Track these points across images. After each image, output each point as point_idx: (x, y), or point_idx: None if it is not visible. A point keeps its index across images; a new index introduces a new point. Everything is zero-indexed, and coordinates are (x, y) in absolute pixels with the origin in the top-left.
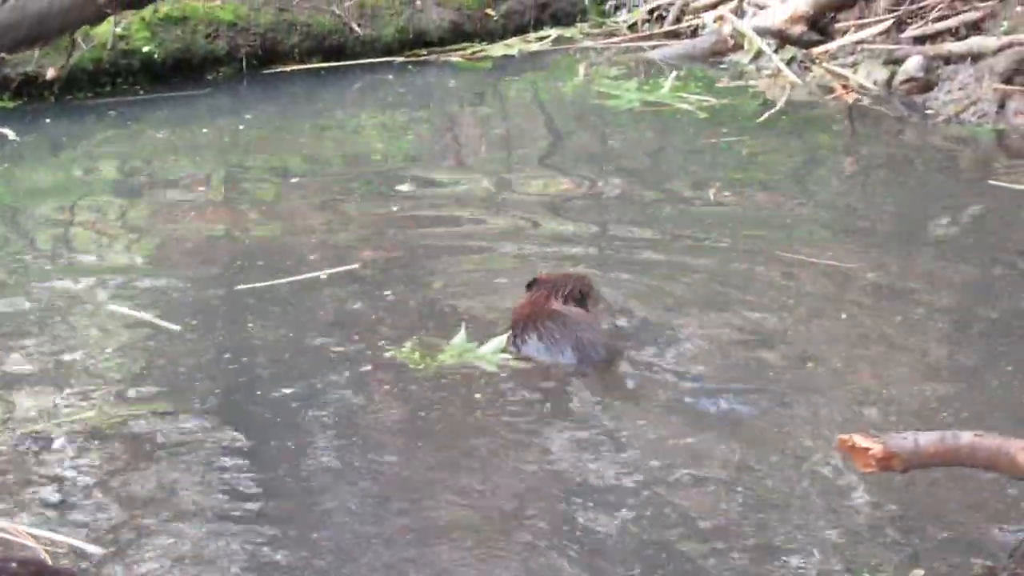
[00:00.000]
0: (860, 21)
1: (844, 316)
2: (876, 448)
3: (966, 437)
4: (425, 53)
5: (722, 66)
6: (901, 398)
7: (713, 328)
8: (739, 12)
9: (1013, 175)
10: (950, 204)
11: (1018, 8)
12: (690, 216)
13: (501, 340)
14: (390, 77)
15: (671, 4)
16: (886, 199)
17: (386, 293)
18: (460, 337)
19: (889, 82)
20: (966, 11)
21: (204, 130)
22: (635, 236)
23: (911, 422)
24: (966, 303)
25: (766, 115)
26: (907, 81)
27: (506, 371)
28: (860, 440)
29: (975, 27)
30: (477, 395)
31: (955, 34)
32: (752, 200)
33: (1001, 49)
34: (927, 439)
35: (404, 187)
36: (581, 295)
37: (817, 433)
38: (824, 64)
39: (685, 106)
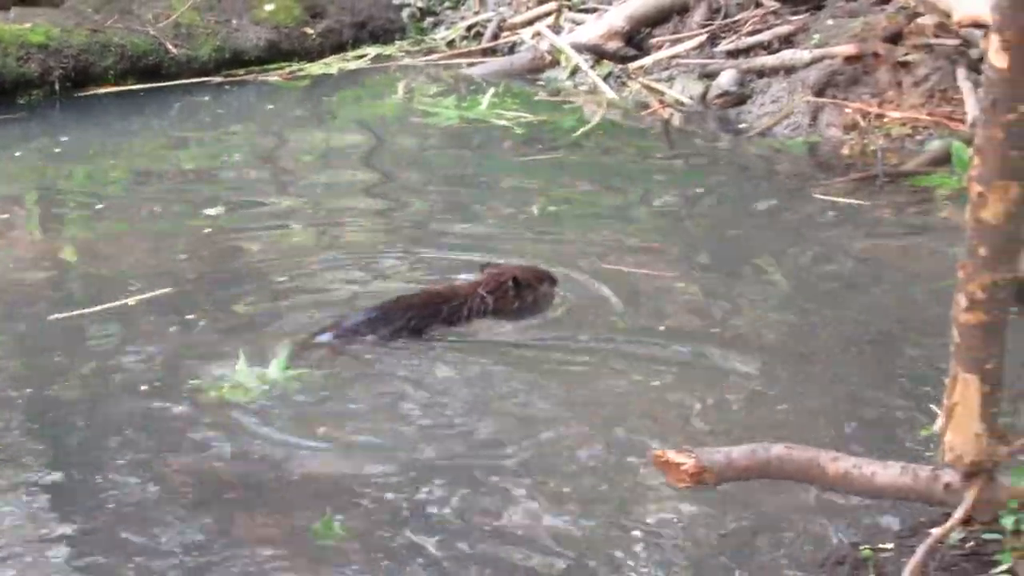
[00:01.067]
0: (675, 36)
1: (663, 328)
2: (688, 463)
3: (776, 449)
4: (243, 72)
5: (540, 82)
6: (720, 413)
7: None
8: (556, 28)
9: (828, 187)
10: (770, 216)
11: (829, 21)
12: (511, 230)
13: (283, 358)
14: (207, 98)
15: (489, 21)
16: (705, 213)
17: (191, 317)
18: (241, 363)
19: (704, 96)
20: (778, 25)
21: (17, 154)
22: (447, 254)
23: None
24: (788, 318)
25: (582, 130)
26: (721, 95)
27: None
28: (673, 455)
29: (787, 41)
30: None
31: (768, 48)
32: (571, 214)
33: (813, 62)
34: (739, 452)
35: (216, 209)
36: (515, 284)
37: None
38: (640, 79)
39: (503, 122)
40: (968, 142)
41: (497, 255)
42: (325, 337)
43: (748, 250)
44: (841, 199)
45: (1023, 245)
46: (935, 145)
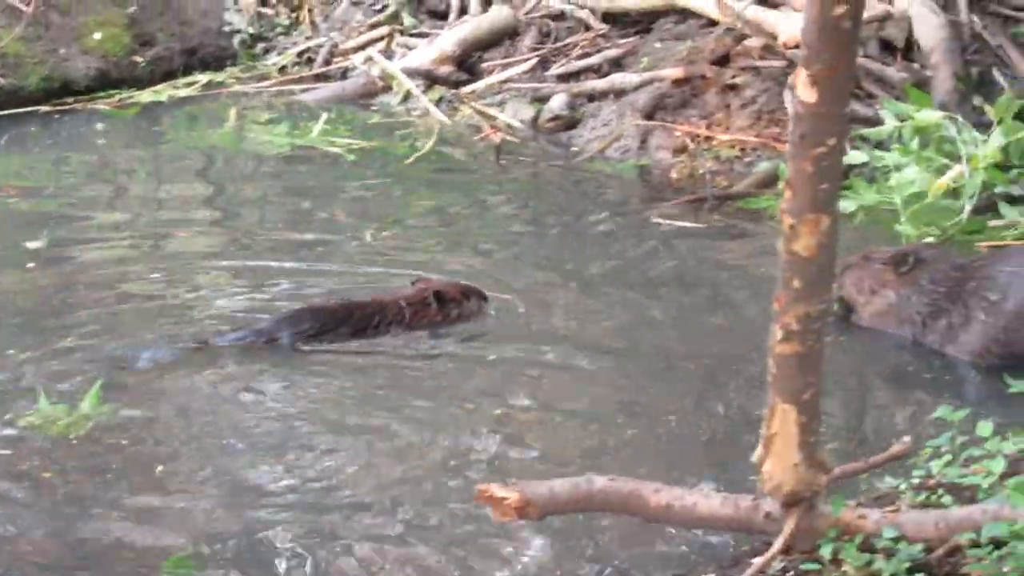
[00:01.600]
0: (506, 60)
1: (493, 357)
2: (512, 497)
3: (600, 482)
4: (72, 102)
5: (373, 108)
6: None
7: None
8: (388, 53)
9: (659, 210)
10: (601, 240)
11: (657, 44)
12: (342, 256)
13: (94, 392)
14: (33, 128)
15: (320, 46)
16: (536, 237)
17: (11, 352)
18: (42, 402)
19: (535, 120)
20: (608, 48)
21: None
22: (285, 283)
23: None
24: (616, 344)
25: (414, 157)
26: (552, 119)
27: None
28: (497, 490)
29: (617, 64)
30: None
31: (598, 71)
32: (403, 240)
33: (642, 85)
34: (562, 486)
35: (41, 240)
36: (437, 298)
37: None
38: (472, 104)
39: (335, 149)
40: None
41: (322, 287)
42: (232, 337)
43: (579, 275)
44: (672, 222)
45: (835, 276)
46: (763, 167)
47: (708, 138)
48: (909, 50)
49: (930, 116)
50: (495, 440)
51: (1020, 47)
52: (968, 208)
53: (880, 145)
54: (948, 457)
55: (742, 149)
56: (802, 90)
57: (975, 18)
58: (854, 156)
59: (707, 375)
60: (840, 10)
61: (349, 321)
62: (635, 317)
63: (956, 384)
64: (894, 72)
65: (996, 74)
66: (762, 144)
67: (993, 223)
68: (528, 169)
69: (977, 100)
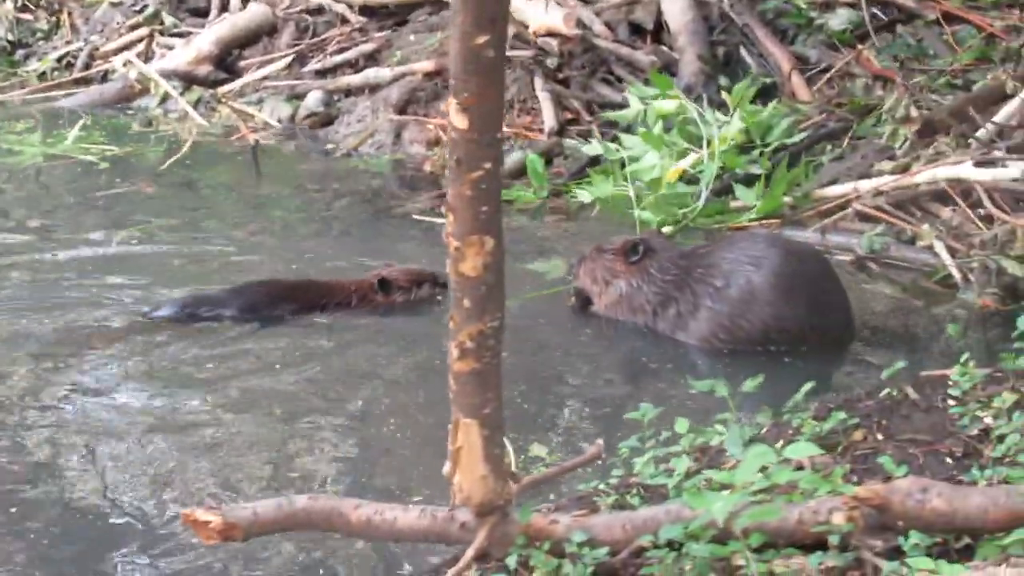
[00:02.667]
0: (264, 58)
1: (208, 366)
2: (215, 520)
3: (301, 501)
4: None
5: (131, 112)
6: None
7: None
8: (148, 54)
9: (411, 205)
10: (352, 236)
11: (411, 37)
12: (93, 264)
13: None
14: None
15: (81, 50)
16: (289, 237)
17: None
18: None
19: (293, 118)
20: (363, 42)
21: None
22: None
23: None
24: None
25: (170, 160)
26: (309, 116)
27: None
28: (200, 513)
29: (371, 58)
30: None
31: (354, 66)
32: (153, 244)
33: (395, 79)
34: (264, 507)
35: None
36: (381, 284)
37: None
38: (230, 103)
39: (89, 157)
40: (544, 153)
41: (63, 297)
42: (170, 310)
43: (336, 270)
44: (424, 217)
45: (503, 292)
46: (515, 157)
47: None
48: (660, 32)
49: (668, 104)
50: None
51: (766, 25)
52: (705, 193)
53: (629, 129)
54: (648, 455)
55: None
56: (454, 117)
57: None
58: (590, 148)
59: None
60: (482, 39)
61: (294, 299)
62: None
63: (686, 371)
64: (643, 56)
65: (743, 53)
66: (514, 134)
67: (735, 203)
68: (283, 168)
69: (724, 80)
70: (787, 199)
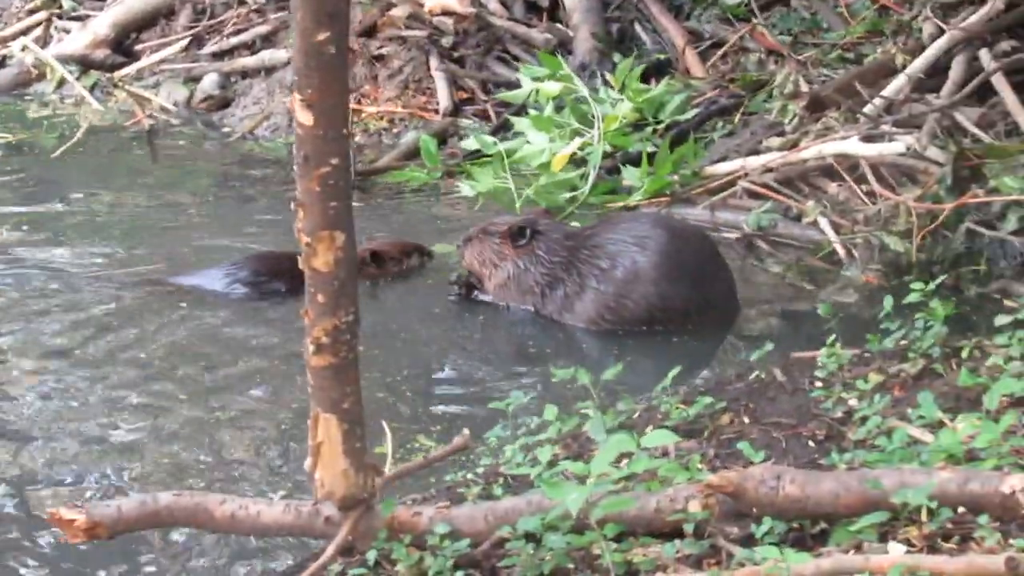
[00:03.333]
0: (161, 41)
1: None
2: (80, 518)
3: (165, 499)
4: None
5: (28, 98)
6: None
7: None
8: (46, 39)
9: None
10: (252, 223)
11: None
12: None
13: None
14: None
15: None
16: (182, 222)
17: None
18: None
19: (189, 101)
20: (260, 24)
21: None
22: None
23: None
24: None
25: (64, 147)
26: (205, 99)
27: None
28: (65, 512)
29: (268, 40)
30: None
31: (251, 48)
32: (35, 235)
33: (291, 61)
34: (128, 505)
35: None
36: (373, 257)
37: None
38: (126, 87)
39: None
40: (438, 134)
41: None
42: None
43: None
44: None
45: (356, 287)
46: (409, 138)
47: (357, 111)
48: (555, 10)
49: (552, 86)
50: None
51: (661, 0)
52: (592, 176)
53: (523, 109)
54: (517, 444)
55: (390, 120)
56: (298, 114)
57: None
58: (470, 143)
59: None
60: (322, 36)
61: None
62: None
63: (568, 355)
64: (537, 34)
65: (638, 29)
66: (410, 115)
67: (625, 183)
68: (179, 152)
69: (619, 57)
70: (675, 177)
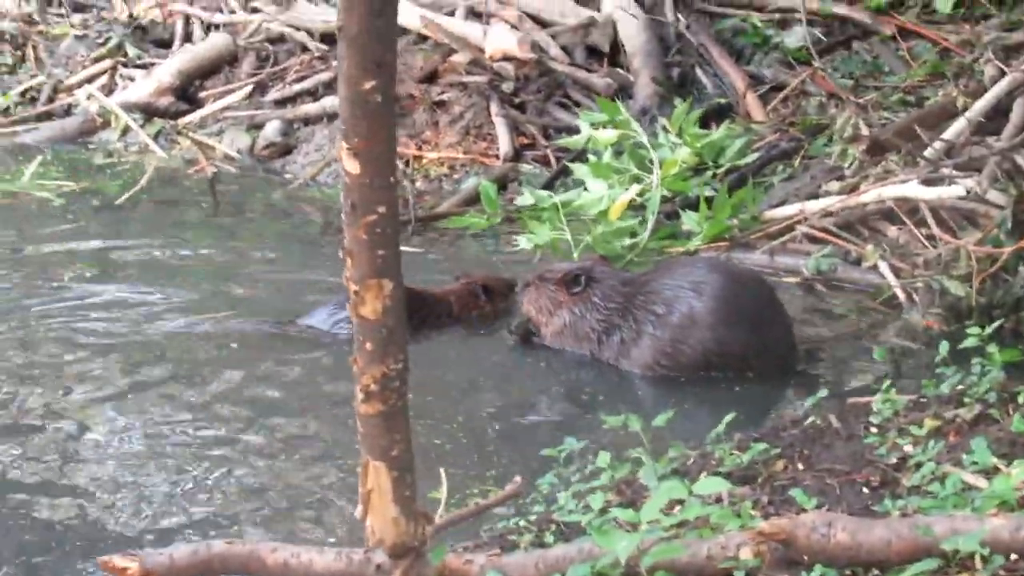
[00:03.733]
0: (224, 88)
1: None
2: (133, 567)
3: (217, 547)
4: None
5: (92, 146)
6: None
7: None
8: (111, 87)
9: None
10: (319, 266)
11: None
12: (57, 305)
13: None
14: None
15: (44, 84)
16: (251, 267)
17: None
18: None
19: (252, 148)
20: (323, 70)
21: None
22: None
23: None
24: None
25: (127, 194)
26: (268, 146)
27: None
28: (118, 560)
29: (330, 87)
30: None
31: (314, 95)
32: (114, 283)
33: None
34: (180, 553)
35: None
36: (484, 289)
37: None
38: (189, 135)
39: (44, 193)
40: (498, 180)
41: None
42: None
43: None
44: None
45: (406, 335)
46: (470, 183)
47: (418, 157)
48: (616, 55)
49: (607, 134)
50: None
51: (721, 44)
52: (651, 224)
53: (583, 154)
54: (571, 491)
55: (451, 166)
56: (345, 162)
57: (680, 17)
58: (525, 199)
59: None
60: (368, 85)
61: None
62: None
63: (625, 400)
64: (598, 79)
65: (699, 73)
66: (470, 160)
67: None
68: (242, 199)
69: (678, 102)
70: (734, 221)
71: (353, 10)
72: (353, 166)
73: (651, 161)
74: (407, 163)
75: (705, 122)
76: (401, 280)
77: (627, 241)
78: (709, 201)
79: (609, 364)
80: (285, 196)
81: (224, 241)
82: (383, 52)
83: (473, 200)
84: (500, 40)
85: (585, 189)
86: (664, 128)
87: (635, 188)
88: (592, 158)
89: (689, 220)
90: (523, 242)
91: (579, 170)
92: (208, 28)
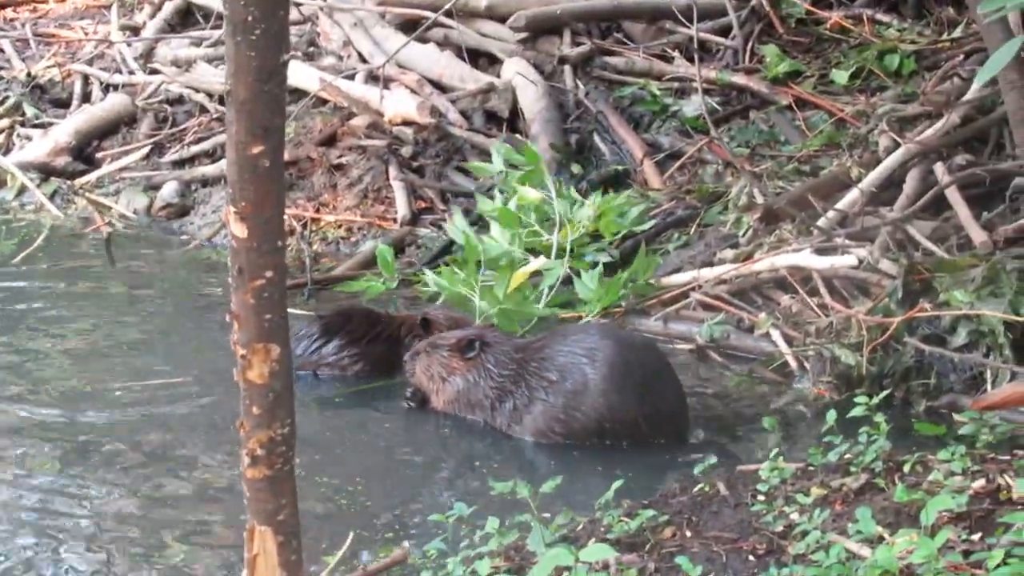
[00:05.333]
0: (122, 149)
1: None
2: None
3: None
4: None
5: None
6: None
7: None
8: (8, 147)
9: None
10: (211, 329)
11: None
12: None
13: None
14: None
15: None
16: (139, 332)
17: None
18: None
19: (149, 209)
20: (221, 132)
21: None
22: None
23: None
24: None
25: (22, 255)
26: (165, 207)
27: None
28: None
29: None
30: None
31: (212, 156)
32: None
33: None
34: None
35: None
36: (423, 321)
37: None
38: (86, 195)
39: None
40: (396, 243)
41: None
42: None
43: (198, 364)
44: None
45: (293, 399)
46: (367, 247)
47: (315, 220)
48: (515, 120)
49: (531, 193)
50: None
51: (620, 111)
52: (546, 297)
53: (491, 190)
54: (459, 556)
55: (349, 229)
56: (233, 226)
57: (580, 84)
58: (451, 229)
59: None
60: (257, 149)
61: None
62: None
63: (516, 466)
64: (497, 143)
65: (596, 140)
66: (368, 224)
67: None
68: (137, 261)
69: (576, 168)
70: (626, 290)
71: (241, 76)
72: (240, 230)
73: (552, 219)
74: (304, 225)
75: (604, 189)
76: (288, 345)
77: (527, 316)
78: (606, 268)
79: (502, 431)
80: (182, 257)
81: (120, 305)
82: (271, 117)
83: (370, 263)
84: (400, 104)
85: (491, 237)
86: (559, 194)
87: (538, 261)
88: (499, 196)
89: (583, 288)
90: (430, 281)
91: (485, 205)
92: (107, 88)
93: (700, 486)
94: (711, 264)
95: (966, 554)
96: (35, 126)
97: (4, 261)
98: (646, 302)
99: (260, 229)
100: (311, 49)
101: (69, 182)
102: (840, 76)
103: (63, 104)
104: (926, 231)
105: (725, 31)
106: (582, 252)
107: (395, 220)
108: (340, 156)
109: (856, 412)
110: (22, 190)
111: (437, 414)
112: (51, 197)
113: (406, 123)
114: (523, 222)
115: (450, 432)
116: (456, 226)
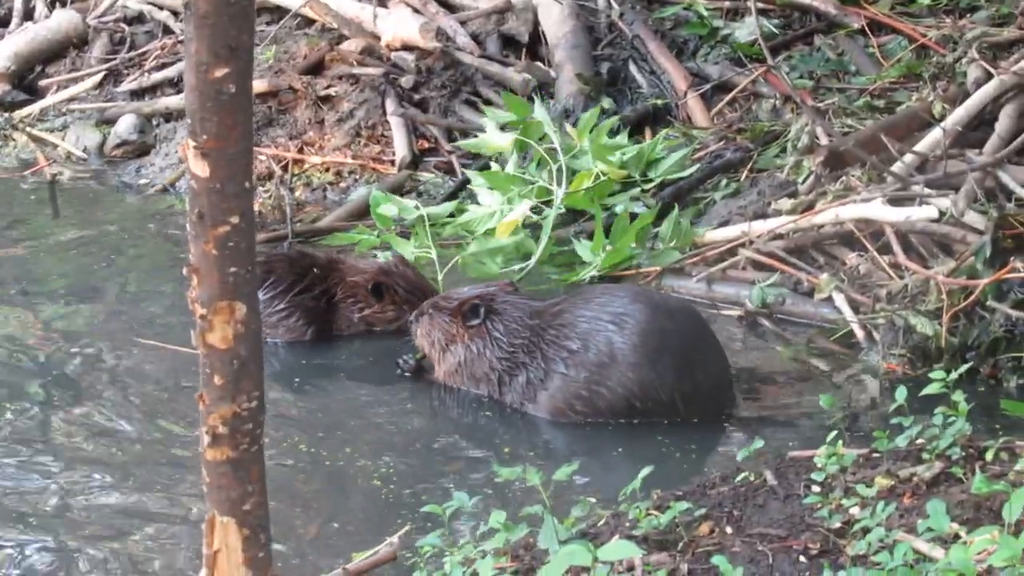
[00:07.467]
0: (71, 75)
1: None
2: None
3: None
4: None
5: None
6: None
7: None
8: None
9: None
10: (169, 296)
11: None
12: None
13: None
14: None
15: None
16: (93, 294)
17: None
18: None
19: (102, 147)
20: None
21: None
22: None
23: None
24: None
25: None
26: (120, 145)
27: None
28: None
29: None
30: None
31: (176, 85)
32: None
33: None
34: None
35: None
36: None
37: None
38: (28, 130)
39: None
40: (393, 189)
41: None
42: None
43: (159, 329)
44: None
45: (262, 367)
46: (359, 194)
47: (299, 161)
48: (536, 46)
49: (499, 139)
50: None
51: (660, 36)
52: (543, 246)
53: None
54: (460, 555)
55: (337, 173)
56: (192, 164)
57: (613, 4)
58: (389, 208)
59: None
60: (220, 72)
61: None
62: None
63: (530, 449)
64: (514, 74)
65: (632, 70)
66: (360, 167)
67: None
68: (87, 209)
69: (607, 102)
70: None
71: None
72: (201, 168)
73: (560, 170)
74: (285, 168)
75: (640, 127)
76: (257, 304)
77: (516, 267)
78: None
79: (513, 408)
80: (138, 204)
81: (71, 256)
82: (238, 34)
83: (362, 213)
84: (399, 26)
85: (477, 203)
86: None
87: (527, 204)
88: (495, 167)
89: (582, 248)
90: (383, 258)
91: (477, 180)
92: (53, 4)
93: (744, 475)
94: (764, 216)
95: None
96: None
97: None
98: (687, 261)
99: (224, 167)
100: None
101: (7, 114)
102: None
103: (1, 23)
104: (1021, 178)
105: None
106: (611, 203)
107: (392, 163)
108: (328, 87)
109: (931, 389)
110: None
111: (436, 385)
112: None
113: (406, 48)
114: (527, 180)
115: (451, 406)
116: (392, 203)
